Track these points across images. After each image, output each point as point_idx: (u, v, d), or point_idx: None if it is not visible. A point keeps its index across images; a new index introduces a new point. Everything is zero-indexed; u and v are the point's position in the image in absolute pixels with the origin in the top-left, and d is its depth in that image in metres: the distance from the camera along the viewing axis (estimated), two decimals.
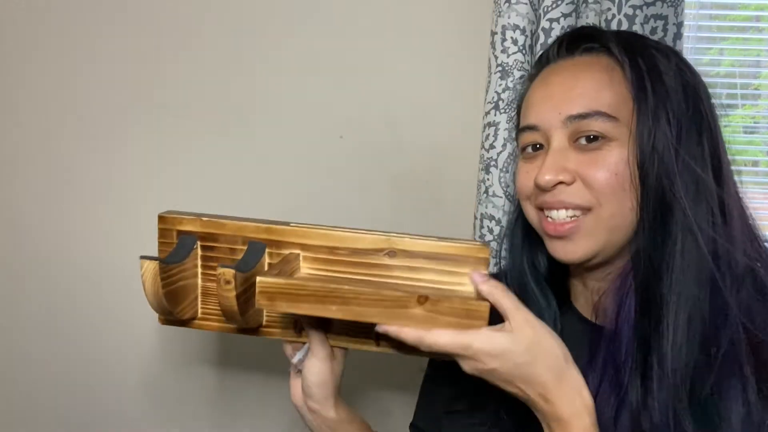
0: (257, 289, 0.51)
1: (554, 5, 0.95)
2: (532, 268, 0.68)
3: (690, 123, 0.57)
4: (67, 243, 1.20)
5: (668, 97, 0.57)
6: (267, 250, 0.61)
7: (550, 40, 0.96)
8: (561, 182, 0.57)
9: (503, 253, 0.76)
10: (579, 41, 0.63)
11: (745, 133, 1.25)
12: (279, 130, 1.15)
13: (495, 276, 0.73)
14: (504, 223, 0.96)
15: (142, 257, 0.55)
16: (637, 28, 0.93)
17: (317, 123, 1.14)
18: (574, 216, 0.58)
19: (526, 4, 0.95)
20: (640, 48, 0.60)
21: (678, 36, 0.95)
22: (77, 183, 1.19)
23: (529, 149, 0.63)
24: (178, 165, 1.17)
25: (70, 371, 1.23)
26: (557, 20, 0.95)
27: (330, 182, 1.15)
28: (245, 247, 0.61)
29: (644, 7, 0.93)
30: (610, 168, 0.56)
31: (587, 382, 0.52)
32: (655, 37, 0.95)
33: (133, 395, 1.23)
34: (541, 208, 0.61)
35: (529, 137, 0.62)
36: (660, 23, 0.94)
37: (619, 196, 0.56)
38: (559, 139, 0.58)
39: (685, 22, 0.96)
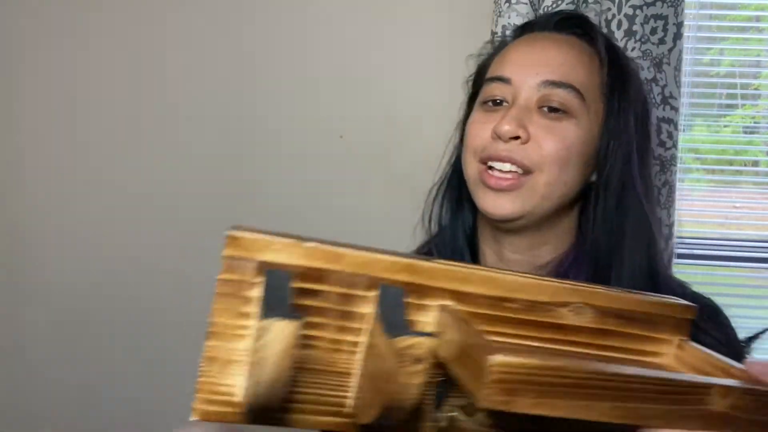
0: (492, 377, 0.31)
1: (554, 5, 0.95)
2: (463, 228, 0.69)
3: (643, 130, 0.63)
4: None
5: (635, 101, 0.62)
6: (404, 299, 0.41)
7: None
8: (517, 137, 0.58)
9: (433, 217, 0.73)
10: (570, 23, 0.65)
11: (745, 133, 1.25)
12: (279, 130, 1.15)
13: (424, 252, 0.72)
14: None
15: (267, 315, 0.33)
16: (637, 28, 0.93)
17: (317, 123, 1.14)
18: (515, 172, 0.59)
19: (526, 4, 0.95)
20: (619, 53, 0.65)
21: (678, 36, 0.95)
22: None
23: (490, 103, 0.62)
24: (180, 160, 1.17)
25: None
26: None
27: (330, 182, 1.15)
28: (369, 293, 0.39)
29: (644, 7, 0.93)
30: (565, 141, 0.58)
31: None
32: (655, 37, 0.95)
33: None
34: (484, 162, 0.61)
35: (497, 89, 0.62)
36: (660, 23, 0.94)
37: (561, 169, 0.59)
38: (528, 98, 0.60)
39: (685, 22, 0.96)
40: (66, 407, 1.24)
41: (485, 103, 0.63)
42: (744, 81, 1.20)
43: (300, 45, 1.13)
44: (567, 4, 0.95)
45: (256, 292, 0.38)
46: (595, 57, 0.62)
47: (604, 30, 0.95)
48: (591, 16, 0.96)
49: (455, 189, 0.70)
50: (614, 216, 0.59)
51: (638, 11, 0.93)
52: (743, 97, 1.22)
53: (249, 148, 1.15)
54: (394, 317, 0.38)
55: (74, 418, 1.23)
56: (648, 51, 0.94)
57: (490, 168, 0.60)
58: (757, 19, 1.18)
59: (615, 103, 0.60)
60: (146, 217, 1.18)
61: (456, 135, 0.72)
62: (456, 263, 0.41)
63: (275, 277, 0.38)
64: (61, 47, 1.16)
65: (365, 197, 1.15)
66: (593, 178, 0.63)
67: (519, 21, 0.95)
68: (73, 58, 1.16)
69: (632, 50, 0.94)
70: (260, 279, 0.38)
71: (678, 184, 1.01)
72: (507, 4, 0.96)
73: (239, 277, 0.38)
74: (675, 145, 0.97)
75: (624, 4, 0.93)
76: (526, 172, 0.59)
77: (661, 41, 0.95)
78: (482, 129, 0.61)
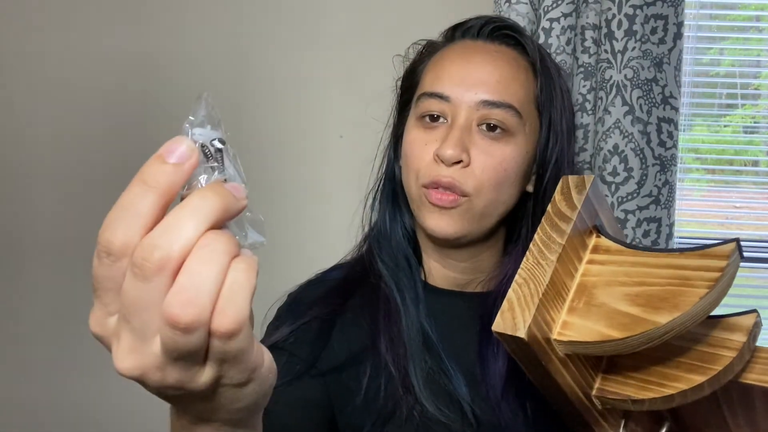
0: None
1: (554, 5, 0.95)
2: (405, 235, 0.70)
3: (570, 136, 0.66)
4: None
5: (564, 110, 0.64)
6: None
7: (550, 40, 0.96)
8: (460, 161, 0.59)
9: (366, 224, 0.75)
10: (503, 33, 0.66)
11: (745, 133, 1.25)
12: (279, 130, 1.15)
13: (358, 261, 0.72)
14: None
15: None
16: (637, 27, 0.93)
17: (317, 123, 1.14)
18: (455, 195, 0.61)
19: (526, 3, 0.95)
20: (549, 64, 0.65)
21: (678, 36, 0.95)
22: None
23: (428, 119, 0.63)
24: None
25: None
26: (557, 20, 0.95)
27: (330, 182, 1.15)
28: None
29: (644, 7, 0.93)
30: (502, 164, 0.60)
31: (486, 347, 0.59)
32: (656, 37, 0.95)
33: None
34: (426, 187, 0.62)
35: (435, 105, 0.62)
36: (660, 23, 0.94)
37: (497, 190, 0.61)
38: (467, 118, 0.60)
39: (685, 22, 0.96)
40: (65, 406, 1.24)
41: (422, 117, 0.63)
42: (744, 81, 1.20)
43: (300, 44, 1.13)
44: (567, 4, 0.95)
45: (591, 241, 0.43)
46: (529, 69, 0.64)
47: (604, 30, 0.95)
48: (591, 15, 0.96)
49: (390, 196, 0.72)
50: None
51: (638, 11, 0.93)
52: (743, 97, 1.22)
53: (249, 147, 1.15)
54: None
55: (74, 417, 1.23)
56: (648, 51, 0.94)
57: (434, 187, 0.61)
58: (757, 19, 1.17)
59: (548, 116, 0.63)
60: None
61: (386, 138, 0.74)
62: None
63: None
64: (62, 47, 1.16)
65: (365, 197, 1.15)
66: (529, 188, 0.66)
67: (519, 21, 0.95)
68: (75, 56, 1.16)
69: (632, 50, 0.94)
70: (594, 232, 0.43)
71: (678, 184, 1.01)
72: (507, 4, 0.96)
73: (589, 221, 0.42)
74: (675, 145, 0.97)
75: (624, 3, 0.93)
76: (465, 195, 0.60)
77: (662, 41, 0.95)
78: (423, 150, 0.62)
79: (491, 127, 0.60)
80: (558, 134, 0.63)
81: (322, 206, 1.15)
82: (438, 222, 0.61)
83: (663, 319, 0.34)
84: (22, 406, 1.24)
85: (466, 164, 0.60)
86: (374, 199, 0.74)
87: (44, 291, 1.22)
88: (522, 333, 0.37)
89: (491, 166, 0.60)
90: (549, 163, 0.63)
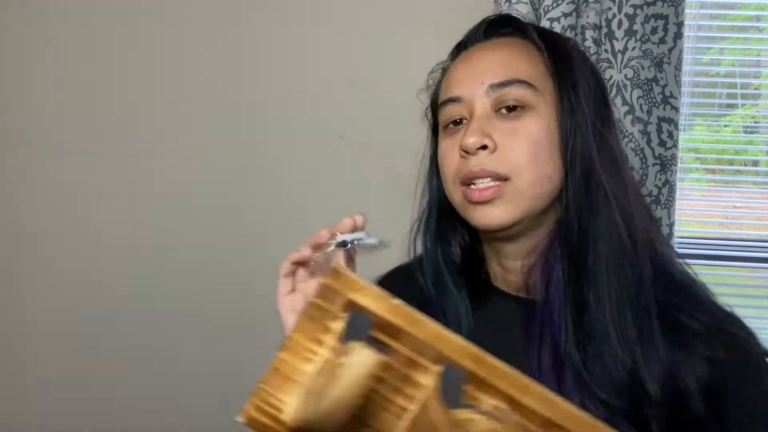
0: None
1: (554, 5, 0.95)
2: (448, 262, 0.69)
3: (602, 108, 0.62)
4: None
5: (582, 75, 0.61)
6: (462, 385, 0.43)
7: None
8: (485, 147, 0.59)
9: (417, 248, 0.74)
10: (497, 26, 0.66)
11: (745, 133, 1.25)
12: (279, 130, 1.15)
13: (405, 268, 0.73)
14: None
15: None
16: (637, 27, 0.93)
17: (317, 123, 1.14)
18: (496, 184, 0.59)
19: (526, 3, 0.95)
20: (555, 36, 0.65)
21: (678, 36, 0.95)
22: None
23: (451, 125, 0.63)
24: (181, 160, 1.17)
25: None
26: (557, 20, 0.95)
27: (330, 182, 1.15)
28: (433, 367, 0.43)
29: (645, 7, 0.93)
30: (531, 137, 0.58)
31: (527, 355, 0.56)
32: (656, 37, 0.95)
33: None
34: (465, 184, 0.61)
35: (452, 110, 0.62)
36: (660, 23, 0.94)
37: (538, 165, 0.58)
38: (482, 107, 0.60)
39: (686, 22, 0.96)
40: (66, 407, 1.24)
41: (446, 127, 0.64)
42: (744, 81, 1.20)
43: (300, 44, 1.13)
44: (567, 3, 0.95)
45: (338, 325, 0.44)
46: (531, 47, 0.62)
47: (605, 30, 0.95)
48: (592, 15, 0.96)
49: (436, 221, 0.71)
50: (580, 194, 0.58)
51: (639, 11, 0.93)
52: (743, 97, 1.22)
53: (249, 148, 1.15)
54: (450, 398, 0.42)
55: (74, 418, 1.23)
56: (648, 50, 0.94)
57: (472, 184, 0.60)
58: (757, 19, 1.17)
59: (564, 83, 0.61)
60: (147, 216, 1.18)
61: (426, 166, 0.73)
62: (518, 372, 0.43)
63: (358, 318, 0.44)
64: (66, 49, 1.16)
65: (365, 197, 1.15)
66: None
67: None
68: (78, 60, 1.16)
69: (633, 50, 0.94)
70: (344, 315, 0.44)
71: (678, 184, 1.01)
72: (507, 4, 0.96)
73: (328, 306, 0.44)
74: (675, 145, 0.97)
75: (624, 3, 0.93)
76: (504, 179, 0.58)
77: (662, 41, 0.95)
78: (452, 154, 0.62)
79: (509, 108, 0.59)
80: (576, 102, 0.60)
81: (322, 206, 1.15)
82: (484, 213, 0.59)
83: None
84: (23, 406, 1.24)
85: (493, 149, 0.58)
86: (418, 229, 0.74)
87: (44, 288, 1.22)
88: (241, 417, 0.44)
89: (518, 144, 0.58)
90: (570, 132, 0.59)
